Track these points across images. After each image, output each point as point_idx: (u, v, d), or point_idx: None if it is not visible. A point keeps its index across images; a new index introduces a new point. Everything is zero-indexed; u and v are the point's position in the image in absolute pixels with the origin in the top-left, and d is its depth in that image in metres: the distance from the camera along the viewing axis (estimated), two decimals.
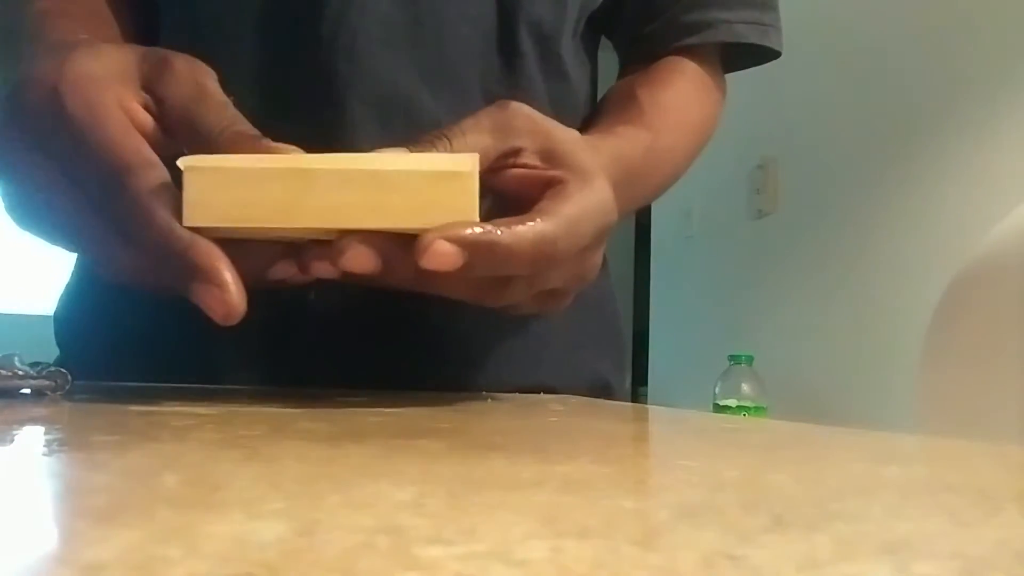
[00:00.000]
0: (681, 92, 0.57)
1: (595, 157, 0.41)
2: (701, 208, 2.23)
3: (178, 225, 0.33)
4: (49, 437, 0.27)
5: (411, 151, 0.36)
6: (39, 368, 0.38)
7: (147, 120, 0.36)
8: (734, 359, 1.78)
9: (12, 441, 0.25)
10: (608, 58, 0.62)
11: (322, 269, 0.35)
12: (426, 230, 0.33)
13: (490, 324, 0.53)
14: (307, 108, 0.50)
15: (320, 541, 0.13)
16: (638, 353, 2.58)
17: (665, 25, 0.59)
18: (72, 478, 0.20)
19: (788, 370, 1.81)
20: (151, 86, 0.36)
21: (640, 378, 2.55)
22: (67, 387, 0.38)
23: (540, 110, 0.40)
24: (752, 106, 1.85)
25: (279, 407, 0.37)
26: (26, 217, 0.37)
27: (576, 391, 0.56)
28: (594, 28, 0.61)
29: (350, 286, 0.38)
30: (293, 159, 0.34)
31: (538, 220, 0.36)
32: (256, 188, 0.33)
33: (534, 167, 0.39)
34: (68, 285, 0.59)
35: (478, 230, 0.33)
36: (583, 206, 0.38)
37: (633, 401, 0.88)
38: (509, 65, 0.54)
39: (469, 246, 0.33)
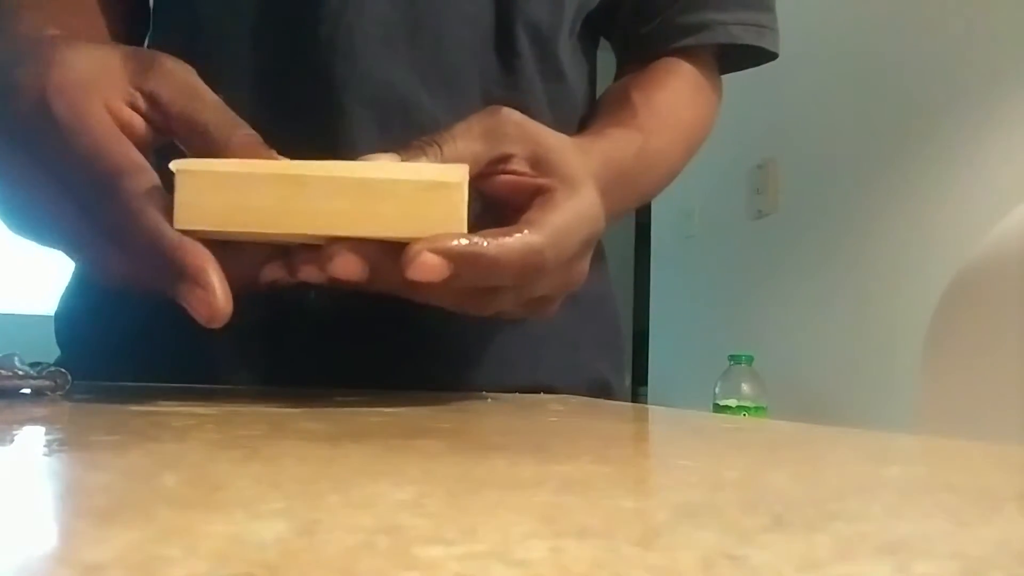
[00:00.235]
0: (676, 93, 0.57)
1: (585, 163, 0.41)
2: (701, 208, 2.23)
3: (167, 226, 0.33)
4: (49, 437, 0.27)
5: (402, 156, 0.37)
6: (39, 368, 0.38)
7: (135, 119, 0.36)
8: (734, 359, 1.78)
9: (12, 441, 0.25)
10: (606, 58, 0.62)
11: (310, 273, 0.35)
12: (414, 239, 0.33)
13: (490, 324, 0.53)
14: (305, 109, 0.50)
15: (320, 541, 0.13)
16: (638, 353, 2.58)
17: (661, 26, 0.59)
18: (72, 478, 0.20)
19: (788, 370, 1.81)
20: (140, 84, 0.36)
21: (640, 378, 2.55)
22: (67, 387, 0.38)
23: (538, 110, 0.41)
24: (752, 106, 1.85)
25: (279, 407, 0.37)
26: (19, 222, 0.37)
27: (575, 391, 0.56)
28: (591, 29, 0.61)
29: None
30: (284, 165, 0.35)
31: (525, 231, 0.36)
32: (247, 193, 0.33)
33: (523, 174, 0.39)
34: (68, 285, 0.59)
35: (464, 242, 0.34)
36: (570, 216, 0.38)
37: (633, 401, 0.88)
38: (507, 66, 0.54)
39: (455, 257, 0.33)
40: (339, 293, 0.36)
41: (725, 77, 0.64)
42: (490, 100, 0.41)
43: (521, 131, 0.40)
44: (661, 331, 2.46)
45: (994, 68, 1.37)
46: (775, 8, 0.62)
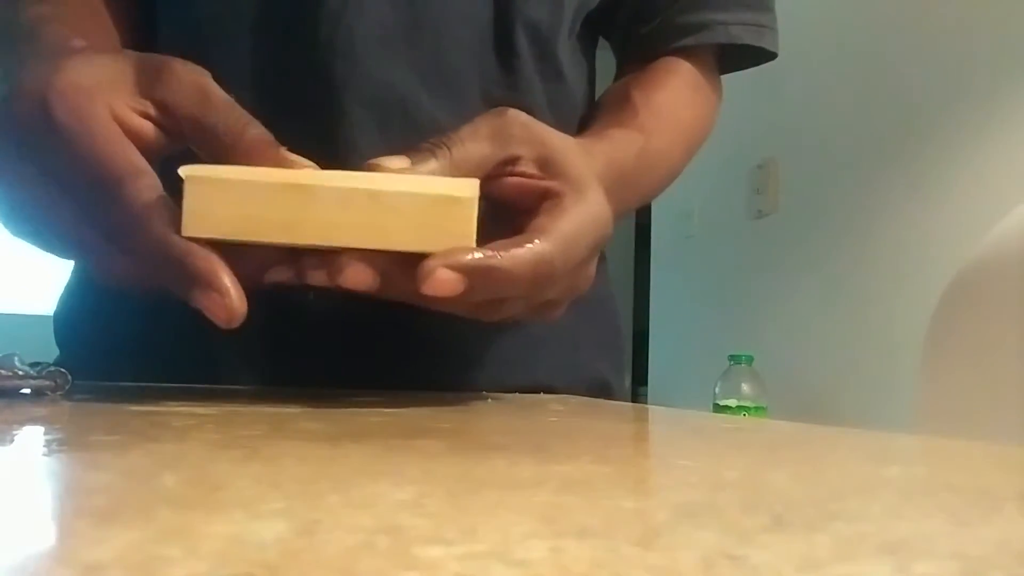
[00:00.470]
0: (676, 93, 0.57)
1: (591, 164, 0.41)
2: (701, 208, 2.23)
3: (172, 233, 0.33)
4: (49, 437, 0.27)
5: (410, 158, 0.37)
6: (39, 368, 0.38)
7: (144, 126, 0.36)
8: (734, 359, 1.78)
9: (12, 441, 0.25)
10: (606, 58, 0.62)
11: (318, 278, 0.35)
12: (424, 252, 0.33)
13: (490, 326, 0.53)
14: (305, 110, 0.50)
15: (320, 541, 0.13)
16: (638, 353, 2.58)
17: (661, 26, 0.59)
18: (72, 478, 0.20)
19: (788, 370, 1.81)
20: (150, 92, 0.36)
21: (640, 378, 2.55)
22: (67, 387, 0.38)
23: (537, 110, 0.41)
24: (752, 106, 1.85)
25: (279, 407, 0.37)
26: (20, 226, 0.37)
27: (575, 391, 0.56)
28: (591, 29, 0.61)
29: None
30: (294, 174, 0.34)
31: (536, 241, 0.36)
32: (256, 202, 0.33)
33: (531, 175, 0.39)
34: (68, 285, 0.59)
35: (478, 255, 0.34)
36: (579, 222, 0.38)
37: (633, 401, 0.88)
38: (506, 66, 0.54)
39: (469, 272, 0.34)
40: (338, 294, 0.36)
41: (725, 77, 0.64)
42: (489, 100, 0.41)
43: (528, 132, 0.40)
44: (661, 331, 2.45)
45: (994, 68, 1.37)
46: (775, 8, 0.62)
